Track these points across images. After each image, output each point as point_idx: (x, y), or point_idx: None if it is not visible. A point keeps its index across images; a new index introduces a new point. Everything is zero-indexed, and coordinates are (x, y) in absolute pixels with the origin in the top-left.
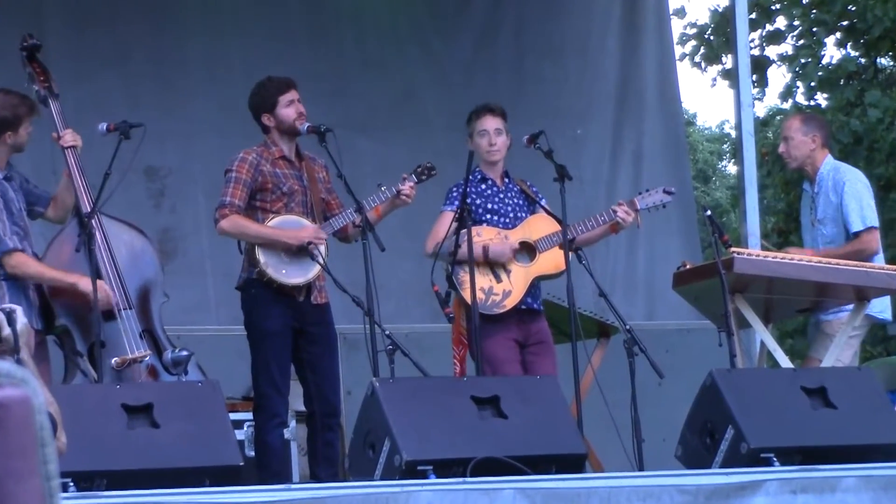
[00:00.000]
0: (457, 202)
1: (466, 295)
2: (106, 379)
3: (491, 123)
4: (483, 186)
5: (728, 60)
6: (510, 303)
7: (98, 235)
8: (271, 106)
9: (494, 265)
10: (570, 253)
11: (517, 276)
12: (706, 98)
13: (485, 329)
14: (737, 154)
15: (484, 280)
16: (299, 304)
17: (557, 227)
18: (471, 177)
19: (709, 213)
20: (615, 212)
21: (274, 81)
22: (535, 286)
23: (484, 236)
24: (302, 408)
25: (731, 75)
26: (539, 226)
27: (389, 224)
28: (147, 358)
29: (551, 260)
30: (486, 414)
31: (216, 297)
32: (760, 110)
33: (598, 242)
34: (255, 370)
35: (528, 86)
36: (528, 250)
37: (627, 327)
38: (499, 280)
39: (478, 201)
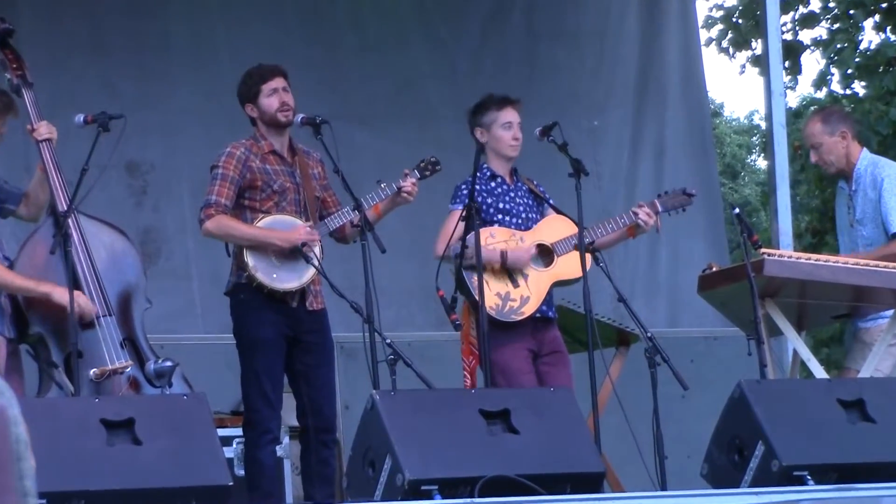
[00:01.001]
0: (467, 200)
1: None
2: (84, 392)
3: (515, 116)
4: (493, 184)
5: (758, 45)
6: (528, 309)
7: (75, 236)
8: (254, 95)
9: (512, 269)
10: (587, 255)
11: (535, 281)
12: (734, 87)
13: (498, 337)
14: (767, 147)
15: (500, 285)
16: (293, 310)
17: (574, 229)
18: (479, 174)
19: (737, 211)
20: (636, 214)
21: (260, 69)
22: (550, 292)
23: (497, 237)
24: (295, 423)
25: (760, 62)
26: (555, 228)
27: (390, 223)
28: (128, 369)
29: (571, 264)
30: (496, 429)
31: (202, 302)
32: (793, 100)
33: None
34: (244, 382)
35: (541, 73)
36: (544, 254)
37: (649, 335)
38: (516, 285)
39: (488, 200)
